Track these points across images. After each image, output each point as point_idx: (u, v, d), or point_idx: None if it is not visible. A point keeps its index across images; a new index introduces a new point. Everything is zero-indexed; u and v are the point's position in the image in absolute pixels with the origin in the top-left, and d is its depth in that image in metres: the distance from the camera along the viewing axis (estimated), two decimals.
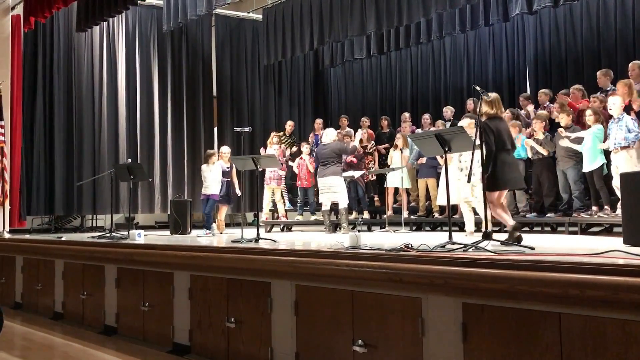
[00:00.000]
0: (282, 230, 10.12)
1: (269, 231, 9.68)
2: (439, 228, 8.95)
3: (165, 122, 11.73)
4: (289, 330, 4.64)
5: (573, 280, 2.98)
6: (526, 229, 8.26)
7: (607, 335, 2.96)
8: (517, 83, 10.59)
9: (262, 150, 10.03)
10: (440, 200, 8.55)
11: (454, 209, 8.67)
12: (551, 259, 3.30)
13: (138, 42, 11.68)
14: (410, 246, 4.30)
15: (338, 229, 8.30)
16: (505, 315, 3.36)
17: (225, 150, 9.28)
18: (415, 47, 11.79)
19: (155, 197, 11.47)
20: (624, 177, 4.72)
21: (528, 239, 5.68)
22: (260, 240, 5.99)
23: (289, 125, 10.92)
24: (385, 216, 8.98)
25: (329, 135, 8.49)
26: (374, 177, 10.04)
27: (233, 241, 6.05)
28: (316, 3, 10.75)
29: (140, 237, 7.17)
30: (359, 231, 5.03)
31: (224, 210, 9.42)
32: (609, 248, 3.76)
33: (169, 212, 9.88)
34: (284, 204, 10.12)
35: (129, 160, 9.63)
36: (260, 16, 12.21)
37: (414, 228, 9.02)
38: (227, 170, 9.03)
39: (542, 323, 3.20)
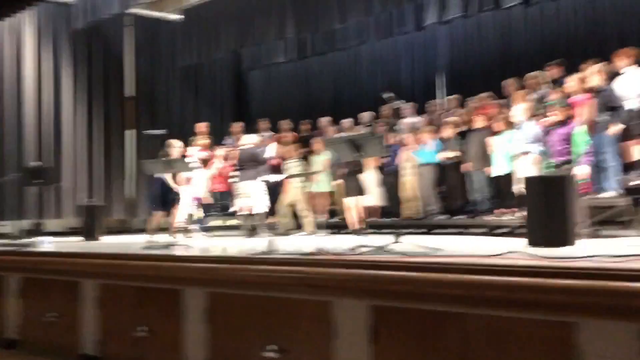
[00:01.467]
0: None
1: (187, 237, 9.46)
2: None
3: (76, 123, 11.24)
4: (201, 338, 4.56)
5: (474, 281, 3.10)
6: (438, 231, 8.58)
7: (505, 333, 3.10)
8: (430, 90, 10.92)
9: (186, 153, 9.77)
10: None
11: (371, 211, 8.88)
12: (454, 260, 3.42)
13: (47, 40, 11.12)
14: (323, 250, 4.35)
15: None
16: (413, 316, 3.45)
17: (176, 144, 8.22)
18: (334, 52, 11.93)
19: (65, 202, 10.96)
20: (528, 180, 4.96)
21: (439, 241, 5.89)
22: (174, 246, 5.87)
23: (200, 127, 10.64)
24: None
25: (247, 140, 8.46)
26: None
27: (145, 247, 5.89)
28: (235, 6, 10.67)
29: (46, 244, 6.84)
30: (274, 235, 5.03)
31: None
32: (510, 249, 3.95)
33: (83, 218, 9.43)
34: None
35: (38, 163, 9.16)
36: (179, 17, 11.96)
37: (333, 231, 9.10)
38: None
39: (447, 323, 3.31)
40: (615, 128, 6.05)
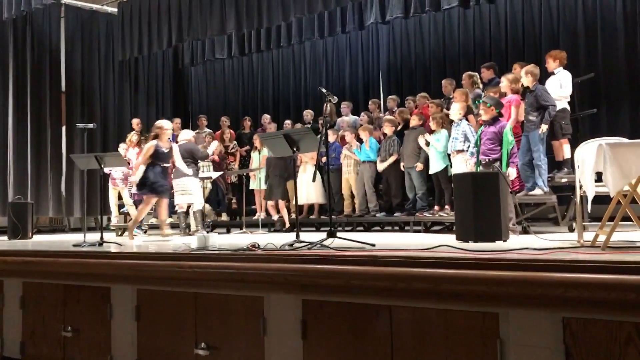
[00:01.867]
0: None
1: (121, 235, 9.20)
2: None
3: (5, 118, 10.74)
4: (130, 337, 4.43)
5: (401, 274, 3.12)
6: (377, 228, 8.66)
7: (431, 324, 3.14)
8: (372, 89, 11.02)
9: (120, 148, 9.49)
10: (299, 200, 8.70)
11: (312, 209, 8.88)
12: (383, 253, 3.44)
13: None
14: (257, 245, 4.30)
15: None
16: (342, 310, 3.45)
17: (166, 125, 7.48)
18: (276, 50, 11.87)
19: None
20: (456, 177, 5.06)
21: (376, 237, 5.92)
22: (104, 244, 5.68)
23: (135, 123, 10.39)
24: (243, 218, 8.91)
25: (184, 136, 8.29)
26: (236, 179, 9.92)
27: (74, 245, 5.67)
28: (174, 0, 10.45)
29: None
30: (208, 232, 4.93)
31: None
32: (439, 244, 4.00)
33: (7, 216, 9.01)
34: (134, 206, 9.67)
35: None
36: (115, 9, 11.61)
37: (272, 229, 9.04)
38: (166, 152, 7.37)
39: (375, 316, 3.32)
40: (544, 127, 6.25)
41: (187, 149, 7.89)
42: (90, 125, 6.66)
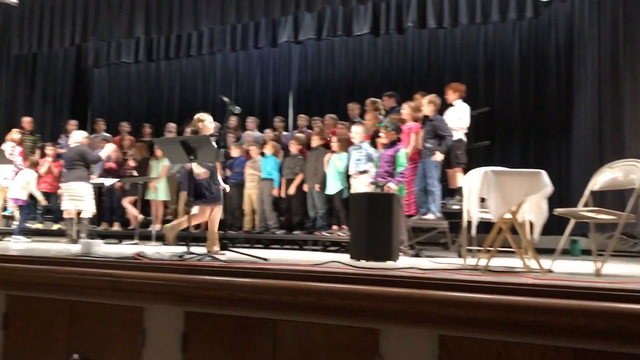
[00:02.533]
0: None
1: (1, 240, 8.56)
2: (196, 242, 8.73)
3: None
4: None
5: (286, 287, 3.08)
6: (277, 246, 8.59)
7: (314, 339, 3.11)
8: (281, 106, 11.03)
9: (6, 146, 8.87)
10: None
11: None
12: (269, 266, 3.38)
13: None
14: (142, 254, 4.12)
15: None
16: (226, 323, 3.35)
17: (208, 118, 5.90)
18: (185, 58, 11.61)
19: None
20: (352, 197, 5.13)
21: (274, 254, 5.85)
22: None
23: (27, 121, 9.80)
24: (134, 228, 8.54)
25: (75, 138, 7.87)
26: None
27: None
28: None
29: None
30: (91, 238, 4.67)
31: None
32: (331, 260, 4.00)
33: None
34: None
35: None
36: (15, 0, 10.94)
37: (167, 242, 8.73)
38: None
39: (259, 330, 3.25)
40: (439, 156, 6.48)
41: (78, 151, 7.49)
42: None
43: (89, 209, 7.49)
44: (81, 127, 10.33)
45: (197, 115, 5.77)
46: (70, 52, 12.07)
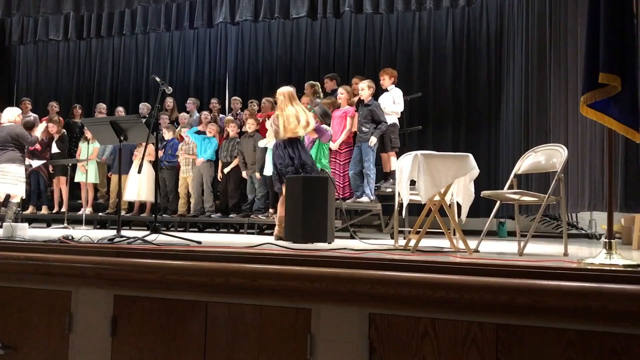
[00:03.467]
0: None
1: None
2: (128, 226, 8.57)
3: None
4: None
5: (219, 269, 3.07)
6: (212, 229, 8.52)
7: (246, 320, 3.12)
8: (217, 88, 10.87)
9: None
10: (128, 196, 8.29)
11: (143, 206, 8.50)
12: (204, 249, 3.36)
13: None
14: (70, 238, 4.00)
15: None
16: (157, 306, 3.31)
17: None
18: (118, 37, 11.21)
19: None
20: (287, 180, 5.14)
21: (208, 237, 5.80)
22: None
23: None
24: (63, 212, 8.25)
25: (7, 116, 7.47)
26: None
27: None
28: None
29: None
30: (14, 222, 4.49)
31: None
32: (265, 242, 4.02)
33: None
34: None
35: None
36: None
37: (98, 226, 8.52)
38: None
39: (190, 312, 3.23)
40: (373, 140, 6.58)
41: (12, 132, 7.08)
42: None
43: (20, 193, 7.15)
44: (7, 105, 9.84)
45: None
46: None
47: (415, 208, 4.73)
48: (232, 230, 8.40)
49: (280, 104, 5.58)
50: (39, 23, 10.97)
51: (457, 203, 4.10)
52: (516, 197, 4.03)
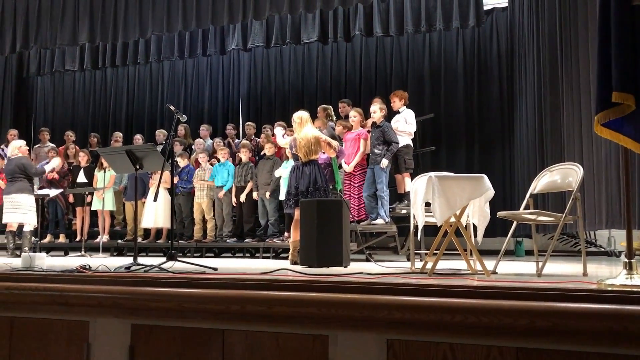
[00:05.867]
0: None
1: None
2: (145, 253, 8.62)
3: None
4: None
5: (234, 296, 3.06)
6: (228, 254, 8.53)
7: (264, 348, 3.10)
8: (231, 114, 10.97)
9: None
10: (145, 223, 8.34)
11: (159, 232, 8.54)
12: (217, 276, 3.36)
13: None
14: (87, 267, 4.02)
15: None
16: (174, 334, 3.30)
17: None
18: (133, 66, 11.41)
19: None
20: (302, 204, 5.14)
21: (224, 263, 5.81)
22: None
23: None
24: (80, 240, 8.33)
25: (11, 149, 7.62)
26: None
27: None
28: (21, 3, 9.72)
29: None
30: (32, 251, 4.53)
31: None
32: (281, 267, 4.01)
33: None
34: None
35: None
36: None
37: (115, 253, 8.56)
38: None
39: (207, 340, 3.22)
40: (384, 162, 6.57)
41: (18, 163, 7.25)
42: None
43: (32, 222, 7.25)
44: (25, 136, 10.02)
45: None
46: (11, 60, 11.68)
47: (431, 229, 4.70)
48: (247, 254, 8.41)
49: (296, 127, 5.62)
50: (55, 54, 11.22)
51: (473, 224, 4.08)
52: (533, 217, 3.99)
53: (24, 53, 11.18)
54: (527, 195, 4.19)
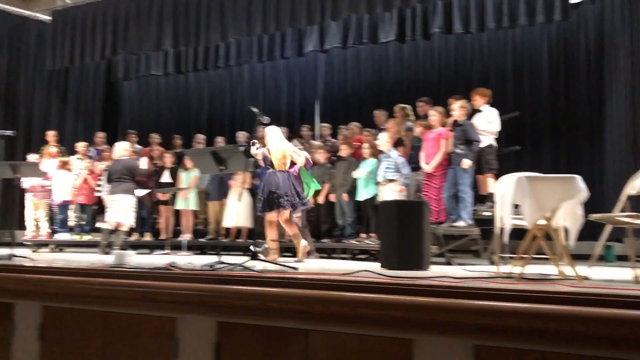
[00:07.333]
0: (52, 251, 9.18)
1: (36, 251, 8.73)
2: (226, 252, 8.81)
3: None
4: (32, 357, 4.15)
5: (318, 296, 3.06)
6: None
7: (347, 349, 3.08)
8: (308, 115, 11.04)
9: (30, 159, 9.08)
10: (227, 222, 8.54)
11: (239, 231, 8.71)
12: (301, 276, 3.37)
13: None
14: (174, 265, 4.15)
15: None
16: (258, 333, 3.35)
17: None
18: (213, 70, 11.72)
19: None
20: (382, 205, 5.09)
21: (305, 264, 5.84)
22: (15, 259, 5.35)
23: (51, 135, 10.00)
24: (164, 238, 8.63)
25: (119, 151, 7.99)
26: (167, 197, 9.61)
27: None
28: (110, 12, 10.21)
29: None
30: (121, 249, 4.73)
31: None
32: (362, 269, 3.98)
33: None
34: (49, 222, 9.25)
35: None
36: (48, 17, 11.22)
37: (197, 252, 8.81)
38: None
39: (291, 340, 3.24)
40: (466, 162, 6.39)
41: (127, 165, 7.62)
42: (9, 132, 6.34)
43: (130, 222, 7.62)
44: (112, 139, 10.51)
45: None
46: (101, 66, 12.29)
47: (514, 232, 4.53)
48: (324, 255, 8.42)
49: (266, 140, 6.28)
50: (141, 60, 11.71)
51: (564, 227, 3.89)
52: (629, 220, 3.76)
53: (112, 59, 11.72)
54: (623, 197, 3.96)
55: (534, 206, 3.46)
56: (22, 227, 9.46)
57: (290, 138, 9.39)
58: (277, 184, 5.98)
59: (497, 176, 6.78)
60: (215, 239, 8.78)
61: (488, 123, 6.87)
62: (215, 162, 4.72)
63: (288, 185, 6.01)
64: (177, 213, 9.08)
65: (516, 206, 3.72)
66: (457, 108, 6.67)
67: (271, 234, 6.16)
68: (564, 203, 3.65)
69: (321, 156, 8.12)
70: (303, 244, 6.30)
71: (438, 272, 4.31)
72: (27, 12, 11.58)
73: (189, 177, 8.78)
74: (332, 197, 7.81)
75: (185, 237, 8.72)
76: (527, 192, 3.48)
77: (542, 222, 3.67)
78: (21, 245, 8.91)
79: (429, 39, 9.59)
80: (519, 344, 2.69)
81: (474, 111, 7.04)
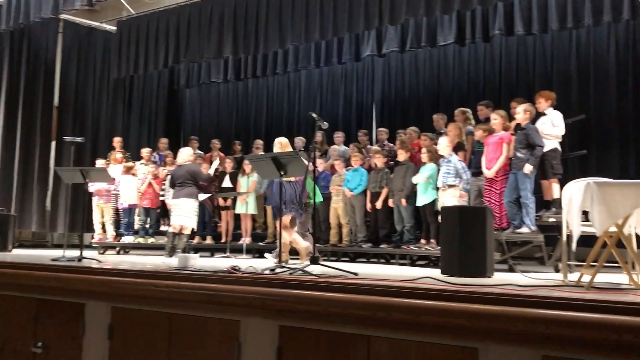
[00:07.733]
0: (118, 253, 9.51)
1: (102, 254, 9.07)
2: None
3: None
4: (102, 356, 4.31)
5: (380, 303, 3.05)
6: (363, 259, 8.56)
7: (410, 357, 3.05)
8: (365, 120, 11.04)
9: (98, 165, 9.46)
10: None
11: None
12: (363, 282, 3.36)
13: None
14: (237, 268, 4.22)
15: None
16: (320, 338, 3.36)
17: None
18: (272, 76, 11.90)
19: None
20: (443, 210, 5.02)
21: (362, 268, 5.85)
22: (84, 260, 5.57)
23: (116, 141, 10.36)
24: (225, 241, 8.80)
25: (183, 156, 8.21)
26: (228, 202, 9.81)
27: (53, 259, 5.55)
28: (173, 21, 10.51)
29: None
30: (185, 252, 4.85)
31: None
32: (423, 276, 3.93)
33: None
34: (114, 225, 9.58)
35: None
36: (114, 28, 11.66)
37: (256, 255, 8.94)
38: None
39: (353, 345, 3.24)
40: (528, 167, 6.21)
41: (190, 170, 7.83)
42: (79, 139, 6.61)
43: (192, 225, 7.81)
44: (175, 145, 10.82)
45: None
46: (164, 74, 12.68)
47: (581, 238, 4.38)
48: (382, 260, 8.38)
49: (277, 150, 6.39)
50: (202, 67, 12.02)
51: (637, 234, 3.73)
52: None
53: (174, 67, 12.08)
54: None
55: (605, 213, 3.33)
56: (90, 229, 9.84)
57: (346, 143, 9.46)
58: (285, 192, 6.27)
59: (561, 181, 6.58)
60: (273, 243, 8.87)
61: (553, 127, 6.66)
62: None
63: (294, 194, 6.49)
64: (238, 217, 9.24)
65: (584, 212, 3.60)
66: (522, 111, 6.50)
67: (288, 236, 6.56)
68: (637, 210, 3.50)
69: (379, 161, 8.10)
70: (304, 245, 6.58)
71: (501, 279, 4.22)
72: (94, 23, 12.07)
73: (247, 182, 8.92)
74: (391, 202, 7.77)
75: (245, 240, 8.86)
76: (597, 198, 3.36)
77: (613, 229, 3.54)
78: (89, 247, 9.26)
79: (489, 41, 9.41)
80: (591, 355, 2.60)
81: (538, 114, 6.85)
